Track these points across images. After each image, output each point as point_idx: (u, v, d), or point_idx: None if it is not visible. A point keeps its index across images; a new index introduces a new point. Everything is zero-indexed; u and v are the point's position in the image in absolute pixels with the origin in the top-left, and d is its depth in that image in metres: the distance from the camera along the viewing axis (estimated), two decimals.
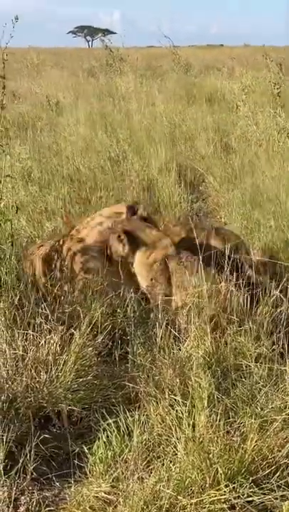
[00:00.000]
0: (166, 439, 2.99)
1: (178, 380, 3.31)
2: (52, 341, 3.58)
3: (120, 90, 14.14)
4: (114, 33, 78.90)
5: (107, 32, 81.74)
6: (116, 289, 4.25)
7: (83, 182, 7.24)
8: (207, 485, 2.64)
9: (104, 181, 7.31)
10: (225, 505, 2.57)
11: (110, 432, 3.06)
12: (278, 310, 3.82)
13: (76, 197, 6.79)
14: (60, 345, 3.59)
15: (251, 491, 2.62)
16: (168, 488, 2.60)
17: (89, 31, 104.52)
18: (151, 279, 4.33)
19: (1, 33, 4.26)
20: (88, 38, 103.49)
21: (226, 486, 2.61)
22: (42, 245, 4.86)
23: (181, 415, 3.01)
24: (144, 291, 4.34)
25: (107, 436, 3.05)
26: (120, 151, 8.47)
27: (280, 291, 3.92)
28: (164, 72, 18.44)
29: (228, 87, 14.40)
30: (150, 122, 10.12)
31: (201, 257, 3.96)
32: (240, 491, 2.61)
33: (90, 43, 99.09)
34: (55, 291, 4.22)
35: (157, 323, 3.80)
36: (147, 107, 11.39)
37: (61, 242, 4.62)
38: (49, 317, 3.75)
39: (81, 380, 3.49)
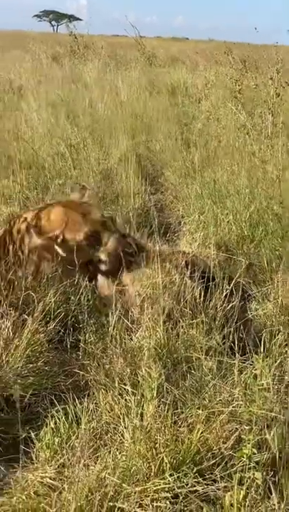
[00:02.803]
0: (114, 428, 3.01)
1: (128, 370, 3.32)
2: (4, 326, 3.57)
3: (84, 77, 14.06)
4: (80, 20, 78.39)
5: (72, 18, 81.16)
6: (70, 277, 4.23)
7: (42, 168, 7.19)
8: (152, 473, 2.66)
9: (63, 168, 7.27)
10: (169, 494, 2.60)
11: (58, 419, 3.06)
12: (230, 305, 3.86)
13: (34, 183, 6.75)
14: (12, 331, 3.57)
15: (195, 481, 2.65)
16: (113, 476, 2.62)
17: (54, 16, 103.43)
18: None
19: None
20: (53, 22, 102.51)
21: (171, 475, 2.64)
22: None
23: (130, 404, 3.03)
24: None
25: (55, 423, 3.05)
26: (81, 139, 8.43)
27: (233, 286, 3.96)
28: (129, 62, 18.37)
29: (191, 80, 14.44)
30: (112, 111, 10.09)
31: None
32: (185, 481, 2.64)
33: (55, 27, 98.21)
34: (9, 276, 4.19)
35: (110, 313, 3.81)
36: (110, 95, 11.33)
37: (12, 224, 4.55)
38: (2, 302, 3.73)
39: (31, 365, 3.48)
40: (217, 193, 6.17)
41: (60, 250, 4.24)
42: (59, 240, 4.21)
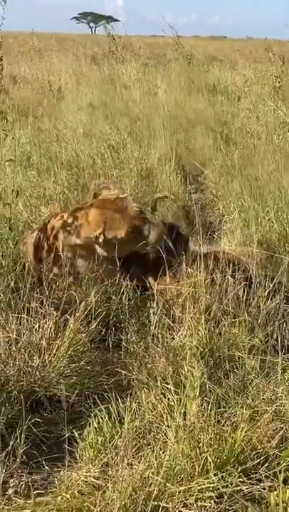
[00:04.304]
0: (157, 427, 3.00)
1: (170, 369, 3.32)
2: (46, 326, 3.58)
3: (122, 78, 14.09)
4: (118, 21, 79.05)
5: (110, 19, 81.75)
6: (112, 276, 4.23)
7: (82, 169, 7.22)
8: (196, 473, 2.65)
9: (103, 169, 7.28)
10: (213, 494, 2.58)
11: (101, 418, 3.06)
12: (273, 303, 3.82)
13: (74, 183, 6.78)
14: (54, 331, 3.59)
15: (240, 481, 2.63)
16: (157, 475, 2.61)
17: (92, 18, 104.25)
18: None
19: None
20: (92, 24, 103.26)
21: (215, 474, 2.62)
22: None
23: (172, 403, 3.02)
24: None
25: (98, 422, 3.05)
26: (120, 139, 8.44)
27: (276, 284, 3.92)
28: (167, 62, 18.33)
29: (230, 78, 14.36)
30: (151, 111, 10.07)
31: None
32: (229, 480, 2.62)
33: (93, 29, 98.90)
34: (49, 274, 4.20)
35: (152, 312, 3.80)
36: (149, 95, 11.34)
37: (46, 222, 4.54)
38: (44, 302, 3.75)
39: (74, 365, 3.49)
40: (258, 190, 6.11)
41: (99, 250, 4.24)
42: (100, 240, 4.20)
